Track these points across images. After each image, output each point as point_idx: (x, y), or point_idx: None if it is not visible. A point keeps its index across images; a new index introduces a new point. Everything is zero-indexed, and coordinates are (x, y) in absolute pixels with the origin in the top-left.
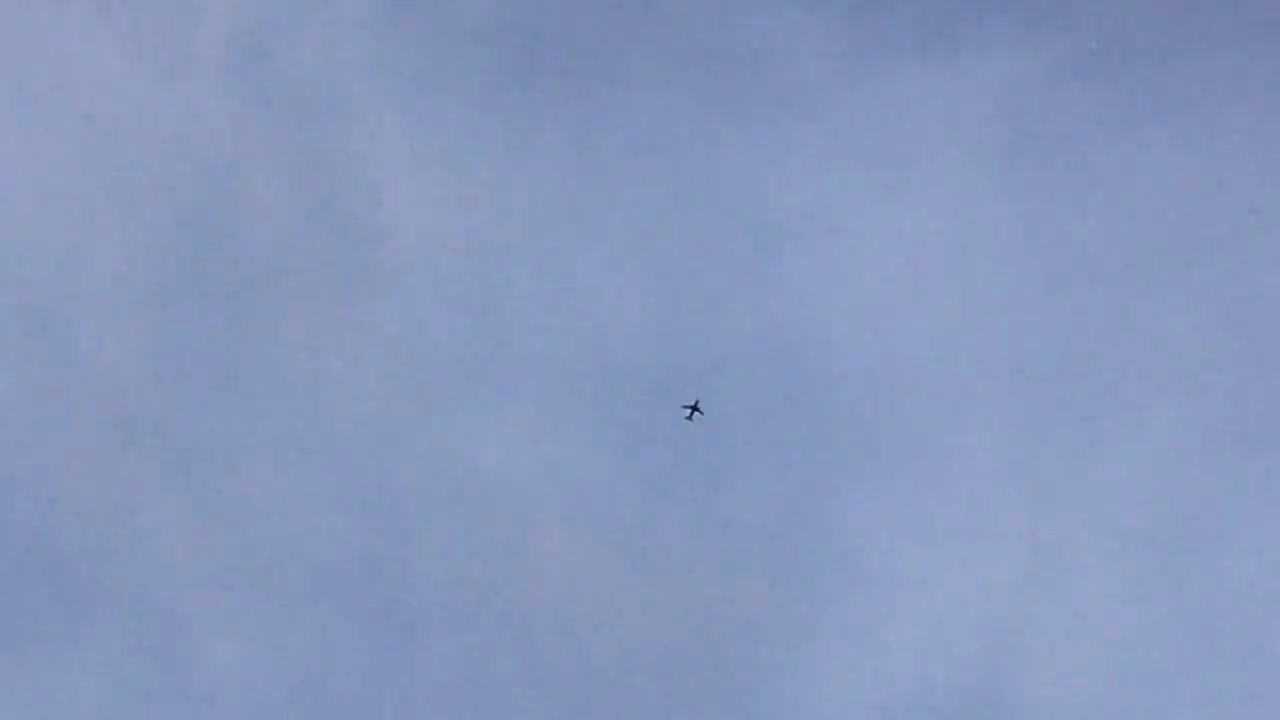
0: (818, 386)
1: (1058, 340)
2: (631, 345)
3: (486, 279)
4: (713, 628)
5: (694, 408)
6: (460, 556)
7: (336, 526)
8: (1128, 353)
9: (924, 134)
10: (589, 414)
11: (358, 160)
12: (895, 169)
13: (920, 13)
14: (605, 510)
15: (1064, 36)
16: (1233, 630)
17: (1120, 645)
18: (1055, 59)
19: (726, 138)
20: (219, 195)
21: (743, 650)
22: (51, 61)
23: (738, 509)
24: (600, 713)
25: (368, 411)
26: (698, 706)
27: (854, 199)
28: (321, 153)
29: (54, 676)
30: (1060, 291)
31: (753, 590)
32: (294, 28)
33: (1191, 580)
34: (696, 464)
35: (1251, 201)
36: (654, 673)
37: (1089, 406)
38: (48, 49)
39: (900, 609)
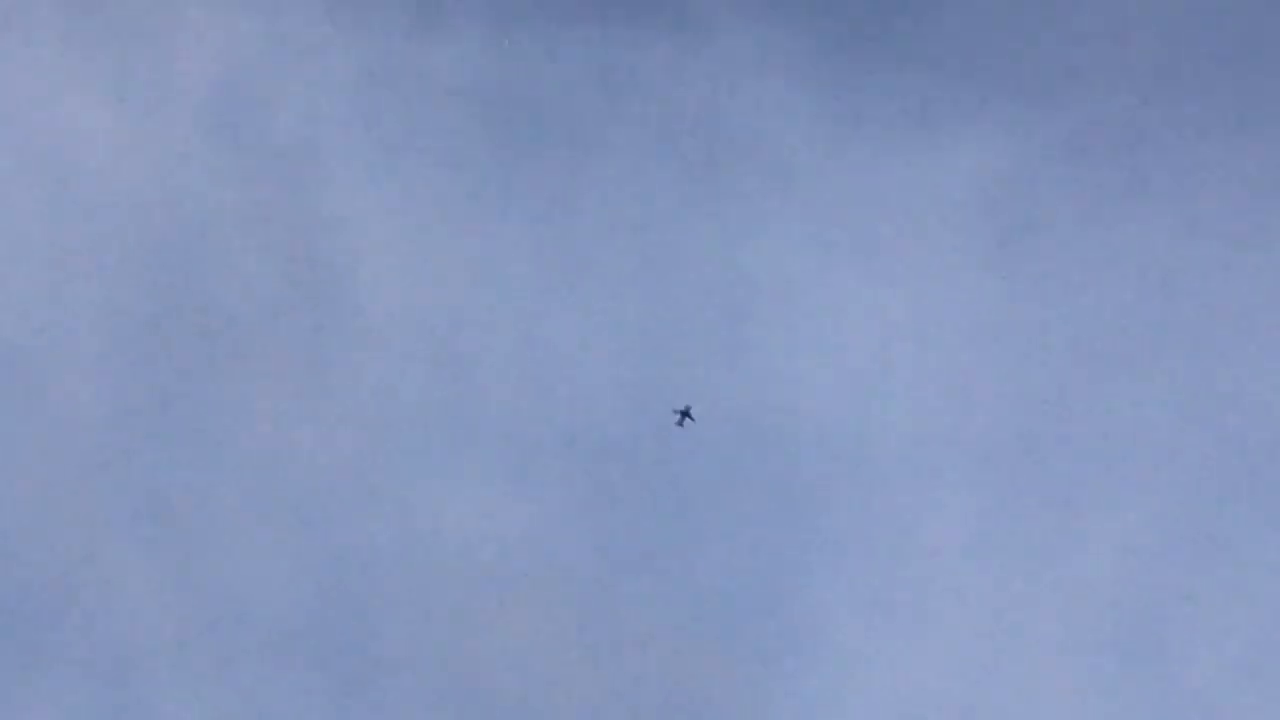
0: (787, 460)
1: (1030, 424)
2: (603, 414)
3: (459, 343)
4: (675, 699)
5: (685, 413)
6: (422, 621)
7: (298, 587)
8: (1100, 440)
9: (904, 213)
10: (556, 481)
11: (333, 220)
12: (874, 247)
13: (904, 93)
14: (569, 578)
15: (1048, 121)
16: (1197, 718)
17: None
18: (1039, 143)
19: (705, 210)
20: (193, 250)
21: None
22: (27, 111)
23: (702, 580)
24: None
25: (335, 473)
26: None
27: (832, 276)
28: (298, 211)
29: None
30: (1035, 375)
31: (714, 662)
32: (274, 86)
33: (1157, 669)
34: (662, 533)
35: (1234, 291)
36: None
37: (1060, 491)
38: (23, 99)
39: (861, 686)
